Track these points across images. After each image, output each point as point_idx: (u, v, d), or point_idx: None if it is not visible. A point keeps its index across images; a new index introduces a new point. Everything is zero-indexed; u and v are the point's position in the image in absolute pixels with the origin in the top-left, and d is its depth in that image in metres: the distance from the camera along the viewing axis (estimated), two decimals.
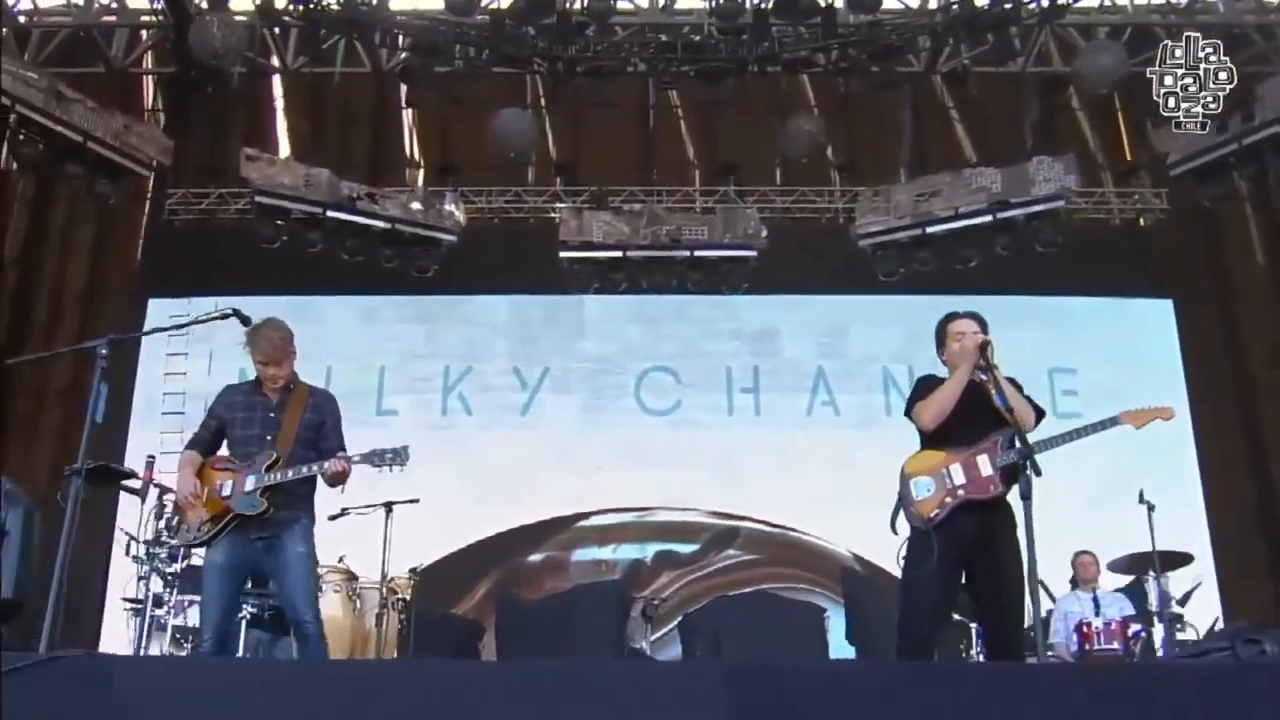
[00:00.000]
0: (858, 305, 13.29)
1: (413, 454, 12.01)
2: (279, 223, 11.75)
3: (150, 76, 13.60)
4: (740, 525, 12.80)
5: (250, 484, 5.63)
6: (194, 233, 13.51)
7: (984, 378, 5.26)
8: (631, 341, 13.54)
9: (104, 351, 5.18)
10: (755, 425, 13.18)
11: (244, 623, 7.29)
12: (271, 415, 5.81)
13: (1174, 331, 13.31)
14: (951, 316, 5.60)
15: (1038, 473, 4.86)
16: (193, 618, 7.57)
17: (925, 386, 5.51)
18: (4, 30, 12.09)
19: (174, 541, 7.75)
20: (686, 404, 13.22)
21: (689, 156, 14.73)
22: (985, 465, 5.17)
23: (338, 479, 5.78)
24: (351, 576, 7.72)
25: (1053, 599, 9.12)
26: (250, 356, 5.86)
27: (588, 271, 12.44)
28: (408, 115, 14.50)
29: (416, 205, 12.13)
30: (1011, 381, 5.35)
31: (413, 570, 8.24)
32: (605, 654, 9.28)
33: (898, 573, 5.33)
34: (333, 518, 7.46)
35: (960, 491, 5.18)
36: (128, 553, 7.92)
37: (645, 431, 13.13)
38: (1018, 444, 4.99)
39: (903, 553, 5.28)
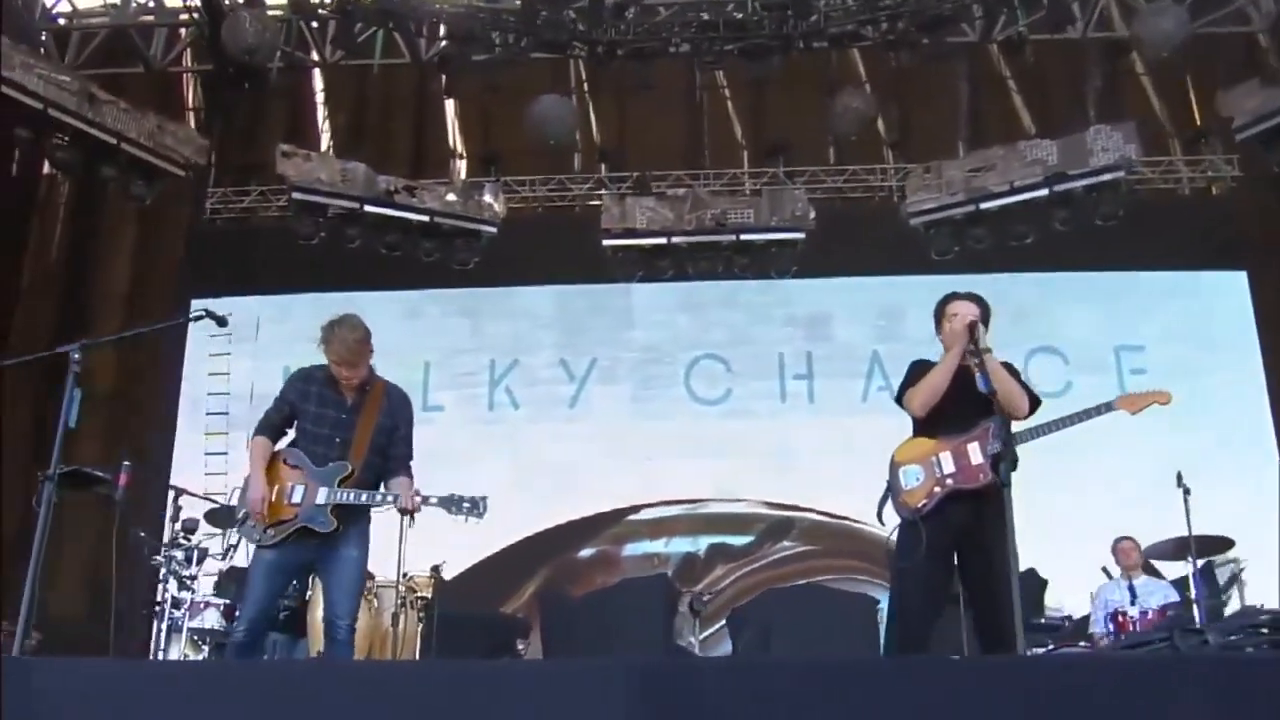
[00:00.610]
0: (913, 286, 12.87)
1: (460, 449, 12.11)
2: (317, 219, 11.75)
3: (190, 75, 13.71)
4: (795, 516, 12.62)
5: (322, 497, 5.52)
6: (235, 231, 13.60)
7: (975, 360, 5.09)
8: (680, 330, 13.40)
9: (76, 356, 5.09)
10: (809, 413, 12.98)
11: None
12: (344, 417, 5.67)
13: (1248, 304, 12.89)
14: (950, 297, 5.51)
15: (1014, 465, 4.73)
16: (210, 620, 7.60)
17: (916, 371, 5.42)
18: (43, 34, 12.26)
19: (236, 535, 7.73)
20: (738, 392, 13.06)
21: (737, 138, 14.57)
22: (975, 453, 5.08)
23: (407, 514, 5.75)
24: (368, 576, 7.68)
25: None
26: (324, 355, 5.65)
27: (632, 259, 12.32)
28: (450, 105, 14.48)
29: (454, 197, 12.10)
30: (1007, 366, 5.27)
31: (435, 568, 8.16)
32: (651, 650, 9.17)
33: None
34: None
35: (949, 481, 5.12)
36: (148, 555, 7.94)
37: (696, 421, 12.99)
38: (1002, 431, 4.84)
39: (893, 539, 5.24)
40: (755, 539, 12.63)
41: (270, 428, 5.71)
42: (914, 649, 5.02)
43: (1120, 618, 7.80)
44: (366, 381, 5.74)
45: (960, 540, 5.08)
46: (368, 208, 11.76)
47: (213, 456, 12.06)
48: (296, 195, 11.63)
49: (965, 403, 5.07)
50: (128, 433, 12.43)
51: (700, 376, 13.20)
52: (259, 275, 13.12)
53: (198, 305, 13.01)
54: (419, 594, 7.81)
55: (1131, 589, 8.25)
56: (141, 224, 13.68)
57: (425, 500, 5.60)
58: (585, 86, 14.08)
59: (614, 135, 14.14)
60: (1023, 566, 9.72)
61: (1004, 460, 4.67)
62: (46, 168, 12.81)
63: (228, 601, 7.67)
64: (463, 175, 14.14)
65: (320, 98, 14.24)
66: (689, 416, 13.05)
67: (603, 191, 13.56)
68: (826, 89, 12.70)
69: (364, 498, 5.57)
